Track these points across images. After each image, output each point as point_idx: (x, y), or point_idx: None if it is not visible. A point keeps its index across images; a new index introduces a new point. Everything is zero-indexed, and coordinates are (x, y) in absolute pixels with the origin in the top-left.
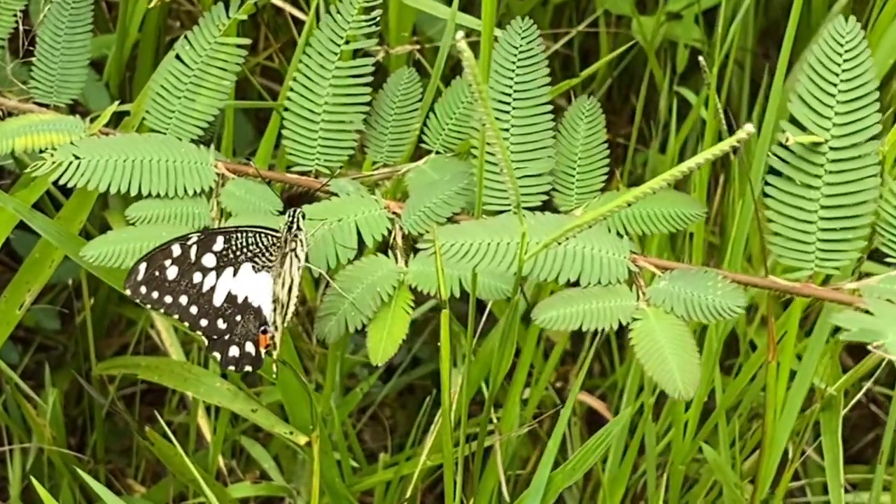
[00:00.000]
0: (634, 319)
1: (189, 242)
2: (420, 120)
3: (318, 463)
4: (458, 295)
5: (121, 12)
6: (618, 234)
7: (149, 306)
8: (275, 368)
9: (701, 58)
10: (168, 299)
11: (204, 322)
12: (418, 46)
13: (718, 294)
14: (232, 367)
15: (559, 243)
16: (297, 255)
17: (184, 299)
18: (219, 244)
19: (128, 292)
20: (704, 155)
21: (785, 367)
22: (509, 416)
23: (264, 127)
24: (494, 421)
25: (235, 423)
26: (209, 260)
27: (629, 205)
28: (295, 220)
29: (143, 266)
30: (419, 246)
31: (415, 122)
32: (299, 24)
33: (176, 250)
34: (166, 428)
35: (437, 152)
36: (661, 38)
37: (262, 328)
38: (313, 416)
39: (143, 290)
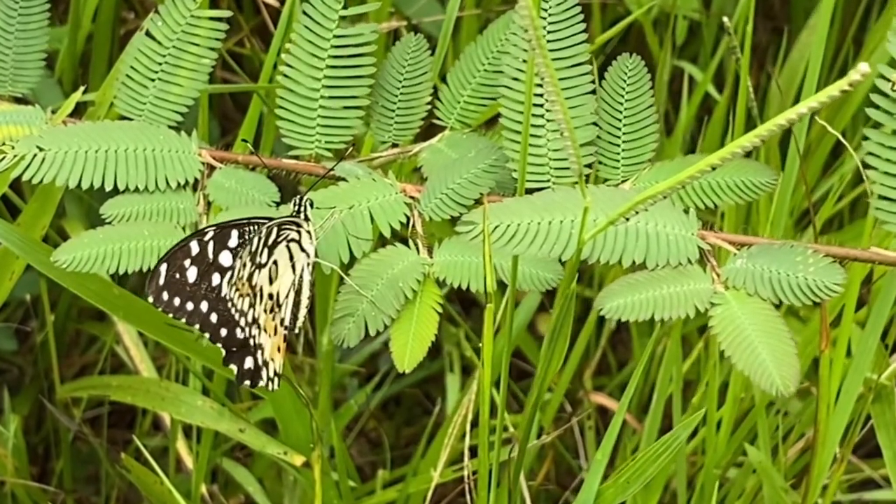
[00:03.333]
0: (713, 305)
1: (206, 238)
2: (428, 91)
3: (321, 485)
4: (481, 290)
5: (73, 1)
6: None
7: (171, 314)
8: (273, 385)
9: (726, 19)
10: (189, 306)
11: (224, 332)
12: (405, 23)
13: (811, 271)
14: (248, 382)
15: (627, 219)
16: (303, 249)
17: (204, 305)
18: (234, 239)
19: (150, 299)
20: (808, 103)
21: (839, 356)
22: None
23: (230, 126)
24: (510, 429)
25: (215, 444)
26: (226, 258)
27: (714, 168)
28: (302, 208)
29: (164, 267)
30: (458, 229)
31: (425, 96)
32: (268, 7)
33: (194, 247)
34: (146, 453)
35: (452, 128)
36: (657, 10)
37: None
38: (314, 433)
39: (166, 296)
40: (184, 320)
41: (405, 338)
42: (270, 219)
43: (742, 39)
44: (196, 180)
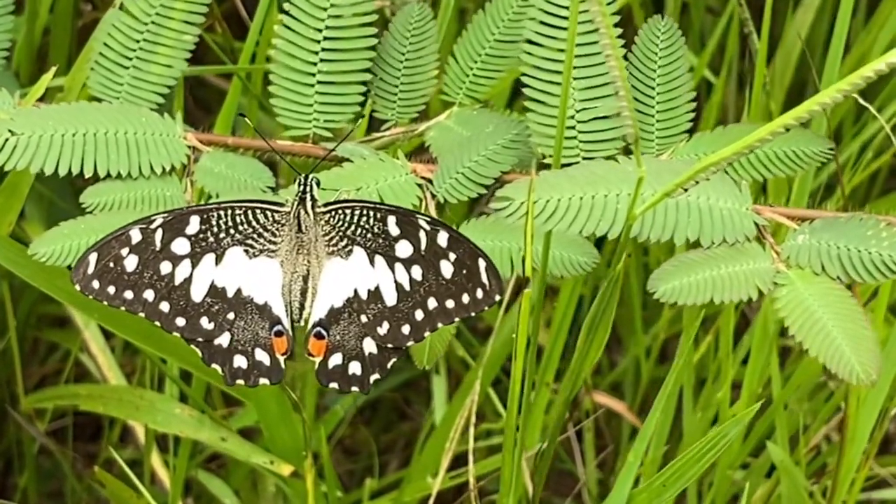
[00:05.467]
0: (777, 285)
1: (153, 226)
2: (434, 65)
3: (313, 497)
4: (507, 275)
5: None
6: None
7: (106, 303)
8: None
9: None
10: (128, 295)
11: (180, 321)
12: (388, 2)
13: (885, 245)
14: (241, 382)
15: (686, 189)
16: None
17: (149, 294)
18: (193, 226)
19: (77, 287)
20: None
21: None
22: (533, 426)
23: (191, 121)
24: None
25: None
26: (180, 246)
27: (788, 130)
28: (308, 188)
29: (93, 256)
30: (492, 206)
31: (430, 70)
32: None
33: (135, 236)
34: (124, 466)
35: (461, 104)
36: None
37: (276, 329)
38: (307, 441)
39: (96, 284)
40: (122, 308)
41: None
42: (242, 202)
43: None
44: (183, 165)
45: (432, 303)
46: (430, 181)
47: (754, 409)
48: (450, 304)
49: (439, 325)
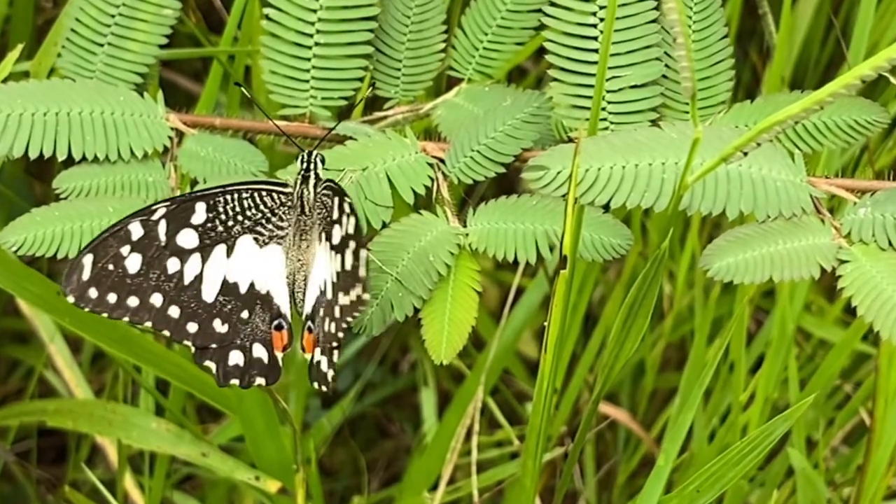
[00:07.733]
0: (841, 262)
1: (155, 217)
2: (440, 37)
3: None
4: (532, 260)
5: None
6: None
7: (105, 314)
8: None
9: None
10: (133, 302)
11: (192, 327)
12: None
13: None
14: (236, 381)
15: (745, 153)
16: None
17: (157, 298)
18: (199, 214)
19: (71, 299)
20: None
21: None
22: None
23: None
24: (516, 443)
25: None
26: (188, 238)
27: (865, 81)
28: (312, 165)
29: (88, 259)
30: (525, 176)
31: (436, 42)
32: None
33: (136, 230)
34: (97, 482)
35: (471, 80)
36: None
37: (276, 323)
38: (297, 455)
39: (94, 293)
40: (125, 319)
41: (440, 322)
42: (249, 184)
43: None
44: (165, 149)
45: (341, 298)
46: (441, 160)
47: (806, 404)
48: (345, 300)
49: (343, 326)
